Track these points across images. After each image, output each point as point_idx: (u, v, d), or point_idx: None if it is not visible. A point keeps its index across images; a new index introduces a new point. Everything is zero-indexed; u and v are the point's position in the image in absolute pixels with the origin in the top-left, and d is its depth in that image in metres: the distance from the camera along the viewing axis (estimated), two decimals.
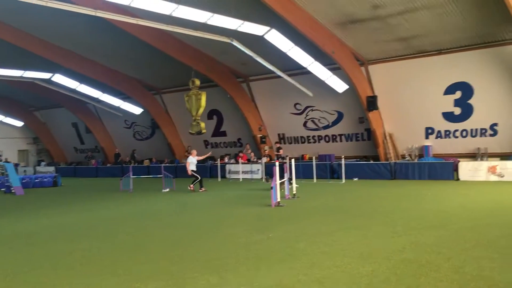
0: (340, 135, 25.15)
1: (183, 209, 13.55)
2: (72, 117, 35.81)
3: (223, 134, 29.69)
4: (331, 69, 21.82)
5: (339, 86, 22.59)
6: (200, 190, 17.82)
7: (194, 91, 22.36)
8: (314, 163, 21.35)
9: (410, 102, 22.02)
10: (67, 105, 33.98)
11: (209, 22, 16.90)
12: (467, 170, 18.56)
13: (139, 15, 18.11)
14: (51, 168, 34.21)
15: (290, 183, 15.30)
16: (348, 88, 22.48)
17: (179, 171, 25.93)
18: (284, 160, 20.08)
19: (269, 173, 18.01)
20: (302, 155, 26.25)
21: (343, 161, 20.50)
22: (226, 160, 27.07)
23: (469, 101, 20.72)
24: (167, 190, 18.80)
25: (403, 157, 22.80)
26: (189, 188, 17.91)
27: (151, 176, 24.15)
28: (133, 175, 19.95)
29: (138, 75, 28.75)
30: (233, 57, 23.38)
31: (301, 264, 6.38)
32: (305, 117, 25.78)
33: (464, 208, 11.30)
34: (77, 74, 27.24)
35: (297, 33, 18.65)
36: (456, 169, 18.88)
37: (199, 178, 18.05)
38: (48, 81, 28.36)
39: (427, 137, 22.36)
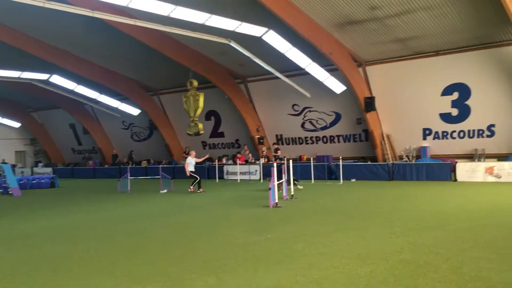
0: (338, 136, 25.17)
1: (181, 210, 13.54)
2: (69, 118, 35.76)
3: (221, 135, 29.69)
4: (329, 70, 21.83)
5: (337, 87, 22.61)
6: (198, 191, 17.82)
7: (192, 92, 22.36)
8: (312, 164, 21.37)
9: (408, 103, 22.05)
10: (64, 106, 33.93)
11: (207, 23, 16.91)
12: (465, 171, 18.63)
13: (137, 16, 18.11)
14: (49, 169, 34.17)
15: (295, 184, 15.86)
16: (346, 89, 22.51)
17: (177, 172, 25.92)
18: (282, 161, 20.11)
19: (267, 175, 18.01)
20: (300, 156, 26.27)
21: (341, 162, 20.54)
22: (224, 161, 27.06)
23: (466, 102, 20.77)
24: (165, 191, 18.79)
25: (401, 158, 22.83)
26: (189, 189, 17.85)
27: (149, 177, 24.15)
28: (130, 176, 19.94)
29: (136, 76, 28.73)
30: (231, 58, 23.38)
31: (299, 265, 6.38)
32: (303, 118, 25.80)
33: (461, 209, 11.33)
34: (75, 75, 27.19)
35: (295, 34, 18.67)
36: (453, 170, 18.95)
37: (198, 178, 18.03)
38: (46, 82, 28.32)
39: (424, 138, 22.40)
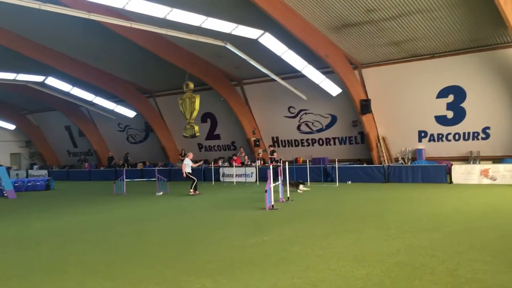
0: (334, 138, 25.21)
1: (177, 212, 13.52)
2: (65, 120, 35.65)
3: (217, 137, 29.67)
4: (324, 73, 21.88)
5: (333, 89, 22.66)
6: (195, 193, 17.76)
7: (188, 94, 22.36)
8: (308, 166, 21.38)
9: (404, 106, 22.12)
10: (60, 108, 33.81)
11: (203, 25, 16.91)
12: (460, 173, 18.67)
13: (133, 18, 18.09)
14: (44, 172, 34.00)
15: (301, 185, 16.76)
16: (342, 92, 22.57)
17: (173, 175, 25.85)
18: (278, 164, 20.11)
19: (263, 177, 18.20)
20: (296, 158, 26.27)
21: (336, 164, 20.56)
22: (220, 163, 27.03)
23: (461, 105, 20.85)
24: (161, 193, 18.74)
25: (396, 160, 22.90)
26: (189, 193, 17.74)
27: (145, 179, 24.07)
28: (126, 179, 19.87)
29: (132, 78, 28.69)
30: (227, 60, 23.39)
31: (296, 267, 6.38)
32: (299, 121, 25.82)
33: (457, 211, 11.36)
34: (70, 77, 27.11)
35: (291, 36, 18.71)
36: (449, 172, 18.99)
37: (195, 180, 17.98)
38: (41, 84, 28.23)
39: (420, 141, 22.47)
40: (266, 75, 22.38)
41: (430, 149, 22.20)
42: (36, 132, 39.26)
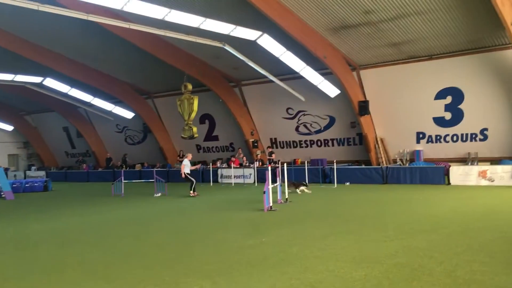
0: (332, 139, 25.23)
1: (175, 213, 13.51)
2: (63, 121, 35.60)
3: (215, 138, 29.65)
4: (323, 74, 21.90)
5: (331, 91, 22.68)
6: (194, 195, 17.72)
7: (186, 95, 22.36)
8: (306, 167, 21.38)
9: (401, 107, 22.16)
10: (58, 109, 33.77)
11: (201, 27, 16.91)
12: (458, 174, 18.69)
13: (132, 19, 18.07)
14: (42, 173, 33.98)
15: (303, 187, 17.08)
16: (340, 93, 22.58)
17: (171, 176, 25.86)
18: (276, 165, 20.13)
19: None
20: (294, 160, 26.28)
21: (335, 166, 20.57)
22: (218, 164, 27.03)
23: (459, 106, 20.89)
24: (159, 194, 18.73)
25: (395, 161, 22.92)
26: (190, 194, 17.70)
27: (143, 180, 24.07)
28: (124, 180, 19.86)
29: (130, 79, 28.66)
30: (225, 61, 23.40)
31: (294, 269, 6.38)
32: (297, 122, 25.84)
33: (455, 212, 11.38)
34: (68, 78, 27.07)
35: (289, 38, 18.72)
36: (447, 173, 19.01)
37: (194, 181, 17.96)
38: (39, 85, 28.20)
39: (418, 142, 22.50)
40: (265, 77, 22.39)
41: (428, 151, 22.24)
42: (34, 133, 39.19)
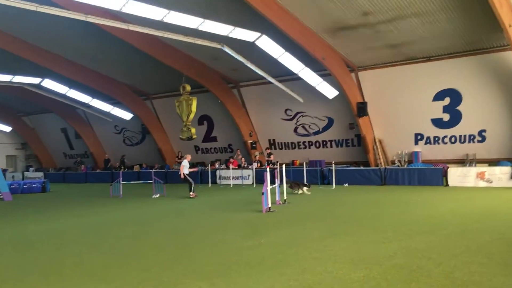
0: (331, 141, 25.25)
1: (174, 215, 13.50)
2: (61, 122, 35.56)
3: (214, 139, 29.65)
4: (321, 75, 21.92)
5: (330, 92, 22.70)
6: (193, 196, 17.70)
7: (184, 97, 22.36)
8: (304, 168, 21.39)
9: (400, 108, 22.18)
10: (56, 110, 33.74)
11: (200, 28, 16.91)
12: (456, 176, 18.71)
13: (130, 20, 18.07)
14: (40, 174, 33.88)
15: (303, 188, 17.34)
16: (338, 94, 22.60)
17: (170, 177, 25.85)
18: (275, 166, 20.12)
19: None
20: (293, 161, 26.29)
21: (333, 167, 20.58)
22: (216, 165, 27.02)
23: (457, 108, 20.92)
24: (157, 196, 18.70)
25: (393, 163, 22.94)
26: (191, 196, 17.65)
27: (141, 182, 24.04)
28: (123, 181, 19.84)
29: (128, 80, 28.65)
30: (224, 62, 23.40)
31: (293, 270, 6.38)
32: (295, 123, 25.85)
33: (453, 213, 11.39)
34: (67, 79, 27.06)
35: (287, 39, 18.74)
36: (445, 175, 19.03)
37: (193, 183, 17.93)
38: (38, 86, 28.14)
39: (416, 143, 22.52)
40: (263, 78, 22.39)
41: (427, 152, 22.26)
42: (32, 134, 39.14)
